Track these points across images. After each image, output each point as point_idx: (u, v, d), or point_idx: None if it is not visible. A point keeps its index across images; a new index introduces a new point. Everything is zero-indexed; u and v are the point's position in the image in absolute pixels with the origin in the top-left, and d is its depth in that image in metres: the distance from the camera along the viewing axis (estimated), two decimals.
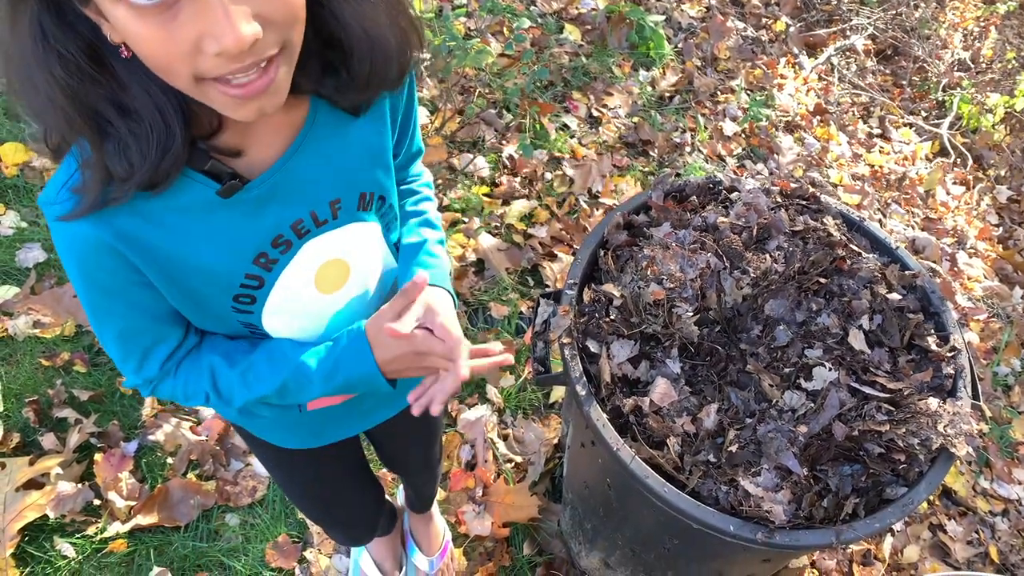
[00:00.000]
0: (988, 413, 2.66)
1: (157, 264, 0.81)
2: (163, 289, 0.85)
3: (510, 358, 1.00)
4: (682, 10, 4.42)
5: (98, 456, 1.97)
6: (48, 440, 1.99)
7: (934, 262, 3.22)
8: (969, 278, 3.25)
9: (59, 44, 0.63)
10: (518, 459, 2.18)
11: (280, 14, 0.64)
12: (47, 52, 0.63)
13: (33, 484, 1.89)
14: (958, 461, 2.47)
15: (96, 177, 0.70)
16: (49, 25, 0.62)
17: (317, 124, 0.85)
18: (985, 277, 3.30)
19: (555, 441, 2.21)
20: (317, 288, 0.95)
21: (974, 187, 3.83)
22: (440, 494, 2.02)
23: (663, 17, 4.10)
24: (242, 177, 0.80)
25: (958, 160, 3.97)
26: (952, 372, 1.32)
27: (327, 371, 0.94)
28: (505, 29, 3.63)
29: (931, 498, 2.40)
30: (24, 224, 2.48)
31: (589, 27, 3.93)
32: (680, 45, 4.10)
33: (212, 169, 0.77)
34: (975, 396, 1.30)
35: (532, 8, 3.93)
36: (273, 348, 0.95)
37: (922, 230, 3.45)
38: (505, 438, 2.23)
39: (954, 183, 3.84)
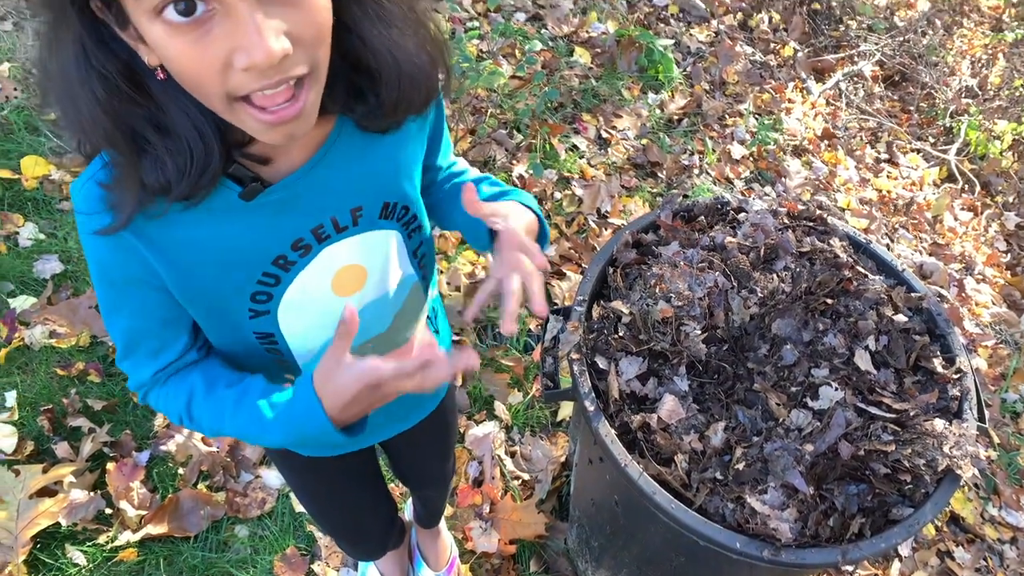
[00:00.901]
0: (996, 440, 2.66)
1: (176, 263, 0.84)
2: (180, 291, 0.87)
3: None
4: (691, 35, 4.48)
5: (110, 465, 1.99)
6: (62, 449, 2.01)
7: (942, 287, 3.23)
8: (977, 304, 3.26)
9: (100, 65, 0.66)
10: (525, 476, 2.19)
11: (309, 33, 0.67)
12: (89, 72, 0.66)
13: (46, 492, 1.91)
14: (965, 487, 2.47)
15: (131, 188, 0.72)
16: (91, 47, 0.65)
17: (342, 137, 0.88)
18: (993, 303, 3.31)
19: (562, 459, 2.22)
20: (334, 291, 0.97)
21: (982, 213, 3.85)
22: (447, 510, 2.03)
23: (672, 41, 4.15)
24: (264, 181, 0.83)
25: (966, 186, 3.99)
26: (958, 394, 1.33)
27: (279, 419, 0.86)
28: (517, 52, 3.69)
29: (938, 524, 2.39)
30: (42, 236, 2.52)
31: (599, 50, 3.98)
32: (689, 69, 4.14)
33: (235, 172, 0.80)
34: (981, 419, 1.31)
35: (543, 31, 3.98)
36: (247, 390, 0.91)
37: (930, 255, 3.46)
38: (512, 455, 2.24)
39: (962, 209, 3.85)
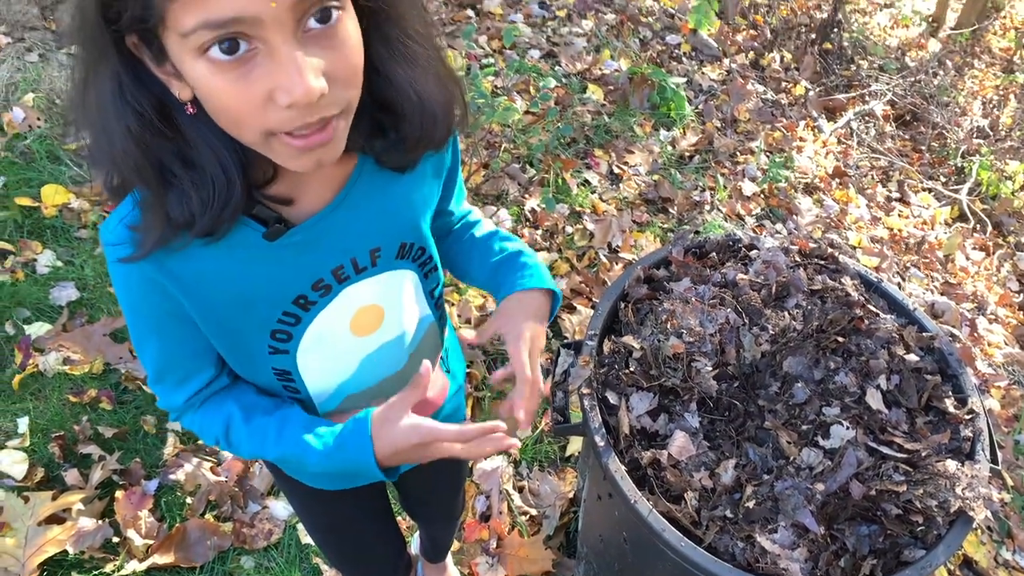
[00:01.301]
0: (1010, 482, 2.63)
1: (199, 299, 0.85)
2: (202, 324, 0.89)
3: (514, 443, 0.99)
4: (703, 73, 4.53)
5: (119, 493, 1.99)
6: (71, 476, 2.02)
7: (954, 327, 3.22)
8: (989, 344, 3.24)
9: (134, 100, 0.68)
10: (533, 512, 2.18)
11: (344, 73, 0.70)
12: (124, 106, 0.68)
13: (54, 519, 1.91)
14: (978, 529, 2.44)
15: (157, 224, 0.74)
16: (127, 82, 0.68)
17: (363, 177, 0.90)
18: (1006, 344, 3.29)
19: (570, 495, 2.21)
20: (352, 331, 0.98)
21: (994, 253, 3.84)
22: (454, 544, 2.02)
23: (684, 79, 4.20)
24: (287, 222, 0.84)
25: (978, 226, 3.99)
26: (970, 435, 1.32)
27: (326, 454, 0.92)
28: (531, 88, 3.73)
29: (951, 567, 2.36)
30: (60, 263, 2.56)
31: (612, 87, 4.03)
32: (700, 106, 4.18)
33: (259, 213, 0.82)
34: (994, 460, 1.30)
35: (557, 68, 4.04)
36: (287, 419, 0.96)
37: (941, 294, 3.45)
38: (520, 490, 2.23)
39: (974, 248, 3.85)
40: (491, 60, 3.91)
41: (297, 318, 0.92)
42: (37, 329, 2.34)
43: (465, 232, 1.19)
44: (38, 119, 3.02)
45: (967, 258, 3.75)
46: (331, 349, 0.98)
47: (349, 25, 0.69)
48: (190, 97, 0.69)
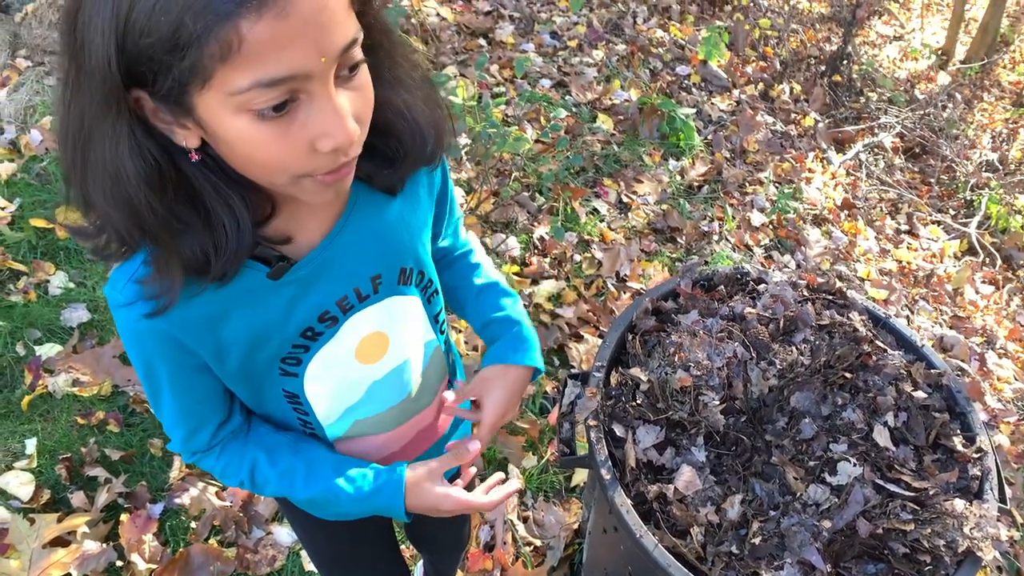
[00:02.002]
0: (1019, 520, 2.60)
1: (210, 344, 0.87)
2: (215, 367, 0.90)
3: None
4: (712, 103, 4.56)
5: (124, 517, 1.99)
6: (77, 498, 2.02)
7: (963, 361, 3.20)
8: (999, 379, 3.23)
9: (147, 151, 0.67)
10: (537, 542, 2.17)
11: (367, 113, 0.74)
12: (137, 159, 0.67)
13: (59, 541, 1.91)
14: (987, 569, 2.41)
15: (174, 276, 0.75)
16: (140, 135, 0.67)
17: (358, 206, 0.91)
18: (1016, 379, 3.27)
19: (575, 526, 2.20)
20: (358, 359, 0.99)
21: (1004, 287, 3.83)
22: (458, 574, 2.01)
23: (694, 110, 4.23)
24: (288, 259, 0.86)
25: (987, 259, 3.98)
26: (978, 474, 1.32)
27: (358, 499, 0.99)
28: (542, 117, 3.77)
29: None
30: (72, 285, 2.58)
31: (622, 117, 4.06)
32: (710, 137, 4.21)
33: (260, 254, 0.83)
34: (1002, 499, 1.29)
35: (567, 98, 4.08)
36: (314, 460, 1.00)
37: (950, 328, 3.44)
38: (525, 520, 2.22)
39: (983, 282, 3.84)
40: (502, 89, 3.95)
41: (305, 347, 0.94)
42: (48, 350, 2.36)
43: (468, 273, 1.21)
44: (55, 141, 3.06)
45: (976, 292, 3.75)
46: (338, 377, 0.99)
47: (364, 68, 0.73)
48: (196, 144, 0.70)
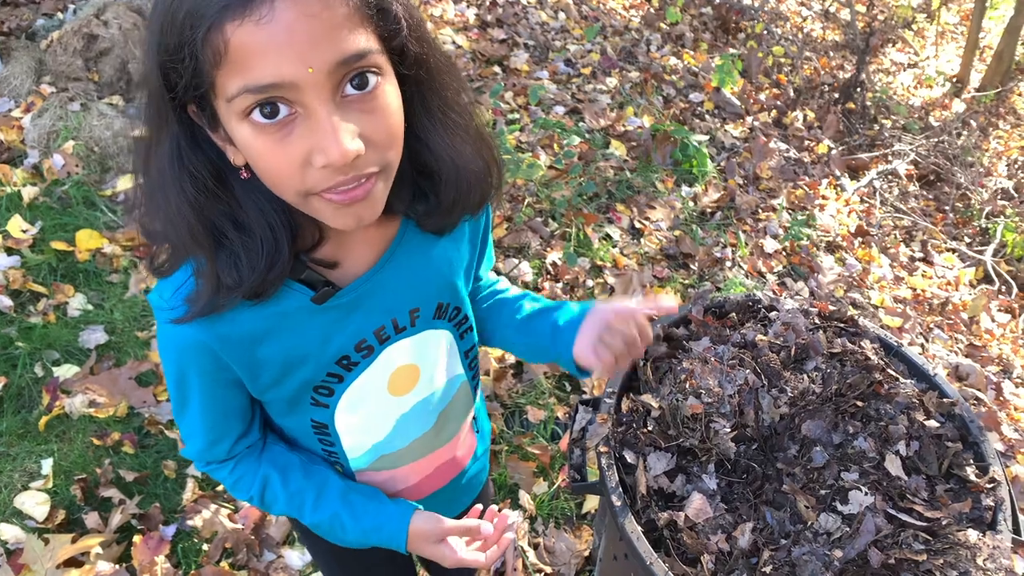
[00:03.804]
0: None
1: (248, 362, 0.88)
2: (249, 384, 0.92)
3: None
4: (725, 130, 4.58)
5: (137, 538, 2.00)
6: (92, 519, 2.03)
7: (979, 390, 3.17)
8: (1016, 408, 3.19)
9: (191, 164, 0.72)
10: (548, 569, 2.15)
11: (380, 136, 0.73)
12: (181, 171, 0.72)
13: (73, 562, 1.92)
14: None
15: (208, 286, 0.77)
16: (185, 147, 0.72)
17: (405, 240, 0.93)
18: None
19: (586, 553, 2.19)
20: (389, 391, 1.01)
21: (1020, 315, 3.80)
22: None
23: (707, 136, 4.25)
24: (334, 285, 0.87)
25: (1003, 288, 3.96)
26: (992, 504, 1.31)
27: (362, 530, 1.02)
28: (555, 144, 3.80)
29: None
30: (90, 307, 2.62)
31: (635, 144, 4.09)
32: (723, 163, 4.22)
33: (307, 278, 0.85)
34: (1016, 531, 1.28)
35: (581, 124, 4.11)
36: (324, 485, 1.02)
37: (966, 356, 3.42)
38: (536, 547, 2.21)
39: (999, 310, 3.81)
40: (517, 116, 3.99)
41: (340, 377, 0.95)
42: (65, 371, 2.39)
43: (491, 297, 1.22)
44: (77, 166, 3.11)
45: (992, 320, 3.72)
46: (369, 409, 1.01)
47: (388, 91, 0.73)
48: (244, 162, 0.73)
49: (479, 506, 1.11)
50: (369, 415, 1.02)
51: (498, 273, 2.95)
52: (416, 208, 0.89)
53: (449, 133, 0.84)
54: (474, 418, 1.24)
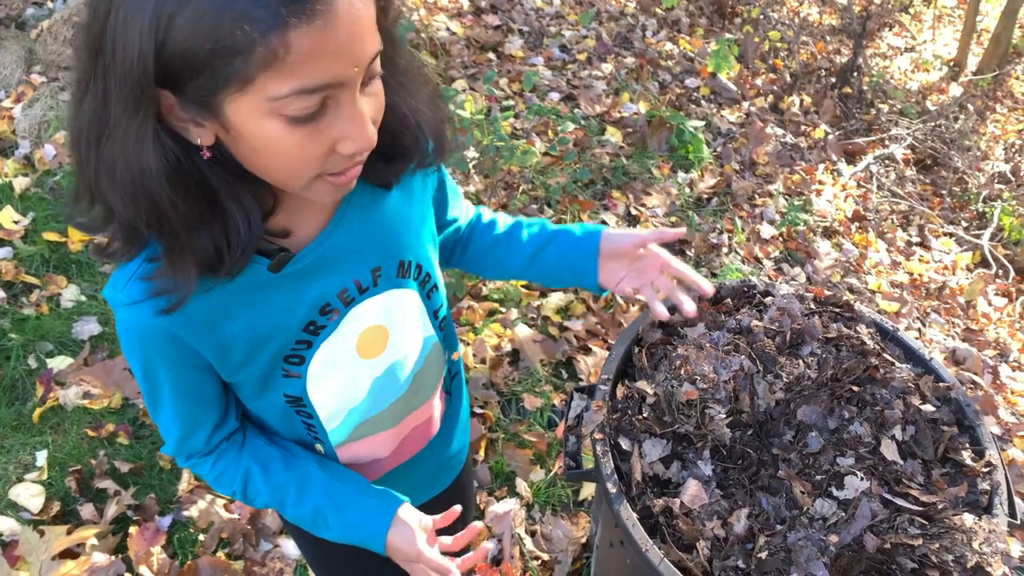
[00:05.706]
0: None
1: (213, 341, 0.87)
2: (218, 365, 0.91)
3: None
4: (722, 116, 4.56)
5: (133, 529, 2.00)
6: (87, 510, 2.03)
7: (975, 374, 3.17)
8: (1013, 392, 3.19)
9: (168, 148, 0.69)
10: (545, 556, 2.16)
11: (380, 115, 0.77)
12: (158, 155, 0.69)
13: (69, 553, 1.92)
14: None
15: (189, 270, 0.76)
16: (161, 131, 0.69)
17: (353, 199, 0.93)
18: None
19: (583, 540, 2.19)
20: (359, 353, 1.00)
21: (1017, 299, 3.80)
22: None
23: (703, 122, 4.23)
24: (289, 251, 0.87)
25: (1000, 272, 3.96)
26: (988, 488, 1.30)
27: (343, 527, 1.02)
28: (550, 130, 3.78)
29: None
30: (83, 298, 2.60)
31: (630, 130, 4.07)
32: (719, 149, 4.21)
33: (261, 247, 0.84)
34: (1012, 515, 1.28)
35: (576, 110, 4.09)
36: (306, 479, 1.02)
37: (963, 341, 3.42)
38: (533, 534, 2.21)
39: (996, 295, 3.81)
40: (511, 102, 3.96)
41: (308, 343, 0.95)
42: (59, 363, 2.38)
43: (486, 232, 1.24)
44: (68, 156, 3.09)
45: (989, 304, 3.72)
46: (340, 373, 1.00)
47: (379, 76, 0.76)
48: (210, 143, 0.71)
49: (458, 508, 1.11)
50: (343, 381, 1.01)
51: None
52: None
53: (407, 91, 0.87)
54: (444, 379, 1.24)
